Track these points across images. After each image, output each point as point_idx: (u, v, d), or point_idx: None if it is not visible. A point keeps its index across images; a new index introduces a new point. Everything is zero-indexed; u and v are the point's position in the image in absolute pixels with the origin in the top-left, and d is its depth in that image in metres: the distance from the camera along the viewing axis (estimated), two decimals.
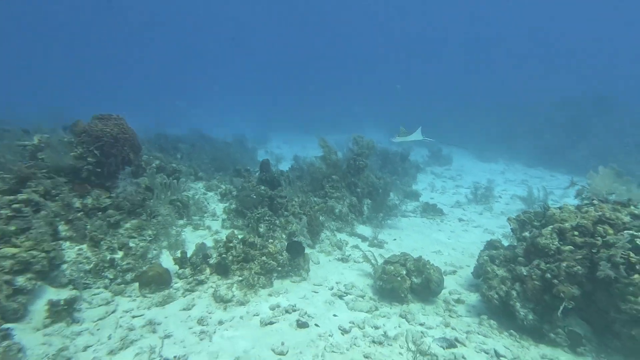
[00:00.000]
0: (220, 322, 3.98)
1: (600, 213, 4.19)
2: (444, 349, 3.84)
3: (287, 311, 4.30)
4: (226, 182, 8.76)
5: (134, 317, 3.96)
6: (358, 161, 8.88)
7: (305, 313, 4.29)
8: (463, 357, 3.68)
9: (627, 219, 4.11)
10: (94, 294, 4.21)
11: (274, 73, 63.04)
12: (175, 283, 4.68)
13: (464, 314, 4.74)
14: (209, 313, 4.14)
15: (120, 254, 4.77)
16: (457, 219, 9.79)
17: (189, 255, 4.97)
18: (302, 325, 4.04)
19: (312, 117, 32.06)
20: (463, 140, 21.43)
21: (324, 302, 4.70)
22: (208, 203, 7.56)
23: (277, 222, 6.50)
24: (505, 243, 6.17)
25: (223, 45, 71.76)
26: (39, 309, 3.75)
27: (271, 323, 4.05)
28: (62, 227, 4.69)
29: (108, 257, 4.59)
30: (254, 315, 4.19)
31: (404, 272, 5.00)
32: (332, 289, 5.11)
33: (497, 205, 11.44)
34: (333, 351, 3.63)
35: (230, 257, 4.97)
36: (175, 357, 3.35)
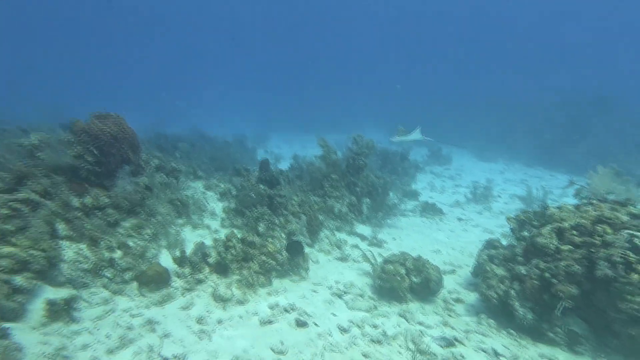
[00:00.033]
0: (220, 322, 3.97)
1: (599, 213, 4.20)
2: (442, 348, 3.84)
3: (286, 310, 4.30)
4: (225, 182, 8.75)
5: (132, 316, 3.95)
6: (357, 160, 8.88)
7: (305, 312, 4.29)
8: (462, 356, 3.69)
9: (625, 218, 4.12)
10: (93, 293, 4.20)
11: (274, 72, 63.02)
12: (174, 282, 4.68)
13: (463, 313, 4.74)
14: (208, 312, 4.14)
15: (119, 253, 4.76)
16: (457, 218, 9.80)
17: (188, 255, 4.96)
18: (301, 324, 4.04)
19: (312, 117, 32.03)
20: (463, 139, 21.44)
21: (323, 301, 4.70)
22: (207, 202, 7.55)
23: (277, 221, 6.50)
24: (505, 242, 6.16)
25: (223, 44, 71.72)
26: (37, 308, 3.74)
27: (270, 322, 4.05)
28: (61, 226, 4.68)
29: (107, 257, 4.58)
30: (253, 314, 4.19)
31: (403, 272, 5.01)
32: (331, 288, 5.11)
33: (496, 204, 11.44)
34: (332, 350, 3.64)
35: (230, 257, 4.97)
36: (174, 356, 3.35)
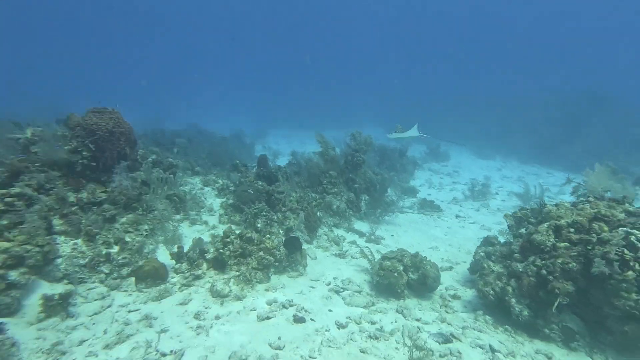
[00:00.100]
0: (217, 317, 3.97)
1: (595, 210, 4.22)
2: (439, 344, 3.86)
3: (284, 306, 4.30)
4: (223, 177, 8.72)
5: (130, 311, 3.94)
6: (356, 157, 8.87)
7: (303, 308, 4.29)
8: (458, 352, 3.71)
9: (622, 216, 4.14)
10: (90, 289, 4.18)
11: (273, 69, 62.71)
12: (172, 278, 4.66)
13: (460, 309, 4.77)
14: (206, 308, 4.13)
15: (116, 248, 4.74)
16: (454, 215, 9.83)
17: (185, 250, 4.95)
18: (299, 320, 4.04)
19: (311, 113, 31.95)
20: (461, 137, 21.49)
21: (321, 297, 4.70)
22: (205, 198, 7.52)
23: (275, 217, 6.49)
24: (502, 239, 6.20)
25: (222, 42, 71.25)
26: (33, 303, 3.72)
27: (268, 318, 4.05)
28: (57, 222, 4.64)
29: (104, 252, 4.56)
30: (251, 310, 4.18)
31: (401, 268, 5.02)
32: (329, 284, 5.12)
33: (493, 201, 11.50)
34: (330, 346, 3.64)
35: (228, 252, 4.96)
36: (171, 351, 3.35)
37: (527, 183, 12.10)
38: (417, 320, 4.36)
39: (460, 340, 3.98)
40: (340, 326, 4.04)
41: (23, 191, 4.38)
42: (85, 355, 3.20)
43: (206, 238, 5.53)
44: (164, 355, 3.30)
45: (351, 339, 3.79)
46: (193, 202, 6.97)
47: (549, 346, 3.96)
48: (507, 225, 5.62)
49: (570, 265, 3.93)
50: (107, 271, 4.42)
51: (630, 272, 3.54)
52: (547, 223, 4.42)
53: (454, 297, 5.08)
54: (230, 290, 4.46)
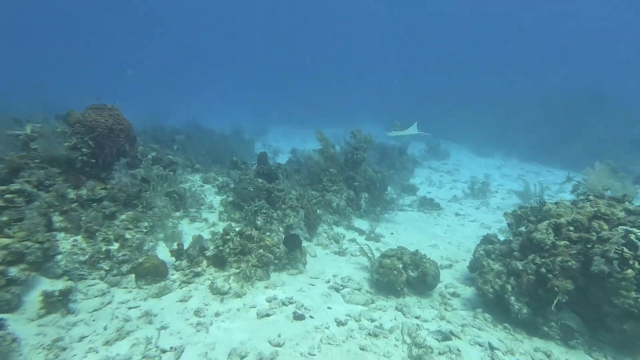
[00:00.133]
0: (217, 314, 3.98)
1: (595, 209, 4.22)
2: (439, 341, 3.87)
3: (283, 303, 4.31)
4: (223, 175, 8.71)
5: (130, 308, 3.95)
6: (356, 155, 8.86)
7: (302, 305, 4.30)
8: (458, 349, 3.72)
9: (621, 214, 4.14)
10: (90, 285, 4.19)
11: (273, 66, 62.58)
12: (172, 275, 4.67)
13: (460, 307, 4.78)
14: (206, 305, 4.14)
15: (116, 245, 4.74)
16: (454, 213, 9.84)
17: (185, 247, 4.95)
18: (298, 317, 4.05)
19: (311, 111, 31.92)
20: (461, 135, 21.48)
21: (321, 294, 4.71)
22: (205, 195, 7.52)
23: (275, 215, 6.49)
24: (501, 238, 6.21)
25: (222, 39, 71.03)
26: (33, 299, 3.72)
27: (268, 315, 4.06)
28: (57, 218, 4.64)
29: (104, 249, 4.56)
30: (251, 307, 4.19)
31: (401, 266, 5.03)
32: (328, 282, 5.12)
33: (493, 200, 11.50)
34: (329, 343, 3.65)
35: (228, 250, 4.96)
36: (171, 348, 3.36)
37: (527, 181, 12.12)
38: (417, 317, 4.37)
39: (459, 338, 3.99)
40: (339, 323, 4.04)
41: (23, 188, 4.37)
42: (85, 352, 3.21)
43: (206, 235, 5.53)
44: (164, 351, 3.31)
45: (350, 336, 3.80)
46: (193, 199, 6.97)
47: (548, 344, 3.97)
48: (507, 223, 5.62)
49: (569, 263, 3.94)
50: (107, 268, 4.43)
51: (629, 271, 3.55)
52: (547, 221, 4.43)
53: (454, 295, 5.09)
54: (230, 288, 4.47)
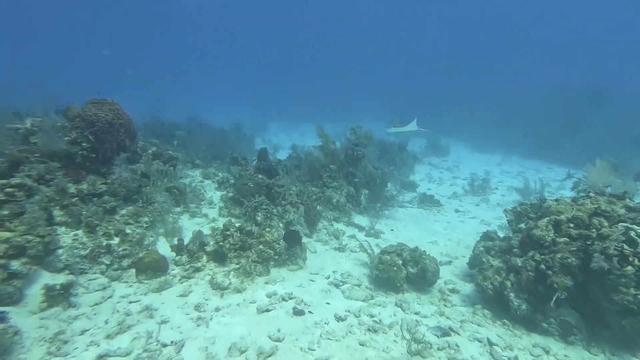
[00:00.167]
0: (217, 309, 4.00)
1: (596, 206, 4.22)
2: (438, 337, 3.89)
3: (283, 299, 4.33)
4: (223, 170, 8.71)
5: (130, 302, 3.96)
6: (356, 151, 8.85)
7: (302, 301, 4.32)
8: (457, 345, 3.74)
9: (622, 211, 4.14)
10: (90, 279, 4.20)
11: (274, 62, 62.31)
12: (172, 270, 4.68)
13: (459, 303, 4.80)
14: (206, 300, 4.16)
15: (116, 240, 4.75)
16: (454, 210, 9.85)
17: (185, 243, 4.96)
18: (298, 312, 4.07)
19: (311, 107, 31.83)
20: (461, 131, 21.44)
21: (321, 290, 4.73)
22: (205, 191, 7.52)
23: (275, 211, 6.49)
24: (501, 234, 6.21)
25: (222, 35, 70.65)
26: (35, 293, 3.74)
27: (268, 310, 4.08)
28: (57, 213, 4.64)
29: (104, 243, 4.57)
30: (251, 302, 4.21)
31: (400, 262, 5.04)
32: (328, 277, 5.14)
33: (493, 196, 11.50)
34: (329, 338, 3.67)
35: (228, 245, 4.97)
36: (172, 342, 3.38)
37: (527, 178, 12.11)
38: (416, 313, 4.39)
39: (458, 334, 4.01)
40: (339, 319, 4.06)
41: (23, 182, 4.37)
42: (87, 345, 3.23)
43: (206, 231, 5.55)
44: (164, 345, 3.33)
45: (350, 332, 3.82)
46: (193, 194, 6.97)
47: (547, 340, 3.99)
48: (507, 220, 5.63)
49: (569, 260, 3.94)
50: (107, 262, 4.44)
51: (629, 267, 3.56)
52: (547, 218, 4.43)
53: (453, 291, 5.11)
54: (230, 283, 4.49)
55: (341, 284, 4.97)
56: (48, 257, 4.12)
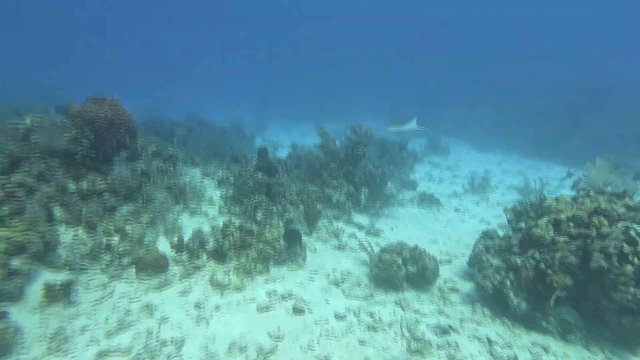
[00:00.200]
0: (217, 307, 4.00)
1: (595, 204, 4.22)
2: (437, 335, 3.90)
3: (283, 297, 4.34)
4: (223, 169, 8.70)
5: (131, 300, 3.97)
6: (356, 150, 8.84)
7: (302, 300, 4.33)
8: (456, 343, 3.75)
9: (622, 210, 4.15)
10: (91, 277, 4.20)
11: (274, 61, 62.20)
12: (172, 268, 4.68)
13: (458, 302, 4.81)
14: (206, 298, 4.17)
15: (116, 238, 4.75)
16: (454, 208, 9.85)
17: (185, 241, 4.96)
18: (298, 311, 4.08)
19: (311, 105, 31.77)
20: (461, 130, 21.42)
21: (321, 289, 4.74)
22: (205, 189, 7.51)
23: (275, 209, 6.49)
24: (501, 233, 6.21)
25: (223, 34, 70.57)
26: (35, 290, 3.75)
27: (267, 309, 4.08)
28: (57, 211, 4.65)
29: (104, 241, 4.57)
30: (251, 301, 4.22)
31: (400, 261, 5.04)
32: (328, 276, 5.15)
33: (493, 195, 11.50)
34: (328, 337, 3.68)
35: (227, 244, 4.98)
36: (172, 340, 3.38)
37: (527, 177, 12.11)
38: (416, 312, 4.40)
39: (458, 332, 4.02)
40: (339, 317, 4.07)
41: (23, 180, 4.37)
42: (87, 343, 3.23)
43: (206, 229, 5.55)
44: (164, 343, 3.34)
45: (350, 330, 3.83)
46: (193, 193, 6.96)
47: (546, 338, 4.00)
48: (507, 219, 5.63)
49: (569, 259, 3.95)
50: (107, 260, 4.45)
51: (628, 267, 3.57)
52: (547, 217, 4.43)
53: (453, 289, 5.11)
54: (230, 281, 4.49)
55: (341, 282, 4.98)
56: (48, 255, 4.13)
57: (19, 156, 4.66)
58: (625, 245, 3.64)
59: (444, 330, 3.98)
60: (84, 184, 5.03)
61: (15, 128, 5.15)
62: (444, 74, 44.49)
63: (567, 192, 5.96)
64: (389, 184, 9.74)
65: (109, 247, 4.52)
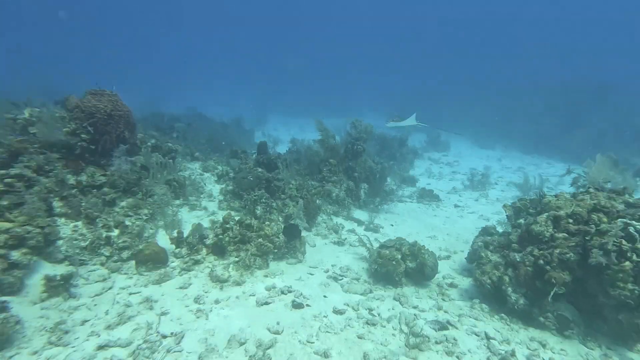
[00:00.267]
0: (217, 301, 4.02)
1: (595, 201, 4.22)
2: (435, 331, 3.93)
3: (282, 292, 4.35)
4: (223, 163, 8.68)
5: (130, 294, 3.98)
6: (356, 145, 8.82)
7: (301, 294, 4.34)
8: (454, 338, 3.77)
9: (621, 207, 4.15)
10: (90, 271, 4.22)
11: (274, 59, 61.77)
12: (172, 262, 4.70)
13: (457, 297, 4.83)
14: (206, 292, 4.18)
15: (116, 232, 4.75)
16: (453, 205, 9.86)
17: (185, 235, 4.97)
18: (297, 306, 4.09)
19: (311, 101, 31.65)
20: (462, 126, 21.37)
21: (320, 284, 4.75)
22: (205, 184, 7.51)
23: (274, 204, 6.49)
24: (500, 230, 6.23)
25: (224, 34, 70.07)
26: (35, 283, 3.76)
27: (267, 303, 4.10)
28: (57, 204, 4.64)
29: (104, 235, 4.57)
30: (250, 295, 4.23)
31: (399, 257, 5.06)
32: (327, 271, 5.16)
33: (493, 191, 11.51)
34: (327, 331, 3.70)
35: (227, 238, 4.98)
36: (172, 333, 3.40)
37: (527, 173, 12.11)
38: (414, 307, 4.42)
39: (456, 328, 4.04)
40: (338, 312, 4.09)
41: (22, 172, 4.36)
42: (87, 335, 3.25)
43: (205, 224, 5.54)
44: (164, 337, 3.35)
45: (349, 325, 3.85)
46: (192, 187, 6.96)
47: (544, 334, 4.03)
48: (506, 215, 5.64)
49: (567, 255, 3.96)
50: (107, 254, 4.45)
51: (627, 263, 3.58)
52: (546, 214, 4.44)
53: (451, 285, 5.13)
54: (230, 276, 4.51)
55: (340, 277, 4.99)
56: (48, 248, 4.13)
57: (18, 149, 4.64)
58: (624, 241, 3.65)
59: (442, 326, 4.00)
60: (83, 178, 5.02)
61: (14, 120, 5.12)
62: (445, 72, 44.30)
63: (567, 189, 5.96)
64: (388, 180, 9.73)
65: (108, 241, 4.52)
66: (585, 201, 4.29)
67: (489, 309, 4.46)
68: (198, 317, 3.71)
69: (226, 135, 13.03)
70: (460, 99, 27.63)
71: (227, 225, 5.09)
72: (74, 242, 4.37)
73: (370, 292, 4.68)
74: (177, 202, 6.38)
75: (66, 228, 4.50)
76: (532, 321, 4.17)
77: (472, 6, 58.24)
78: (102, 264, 4.37)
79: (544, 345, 3.81)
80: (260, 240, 5.03)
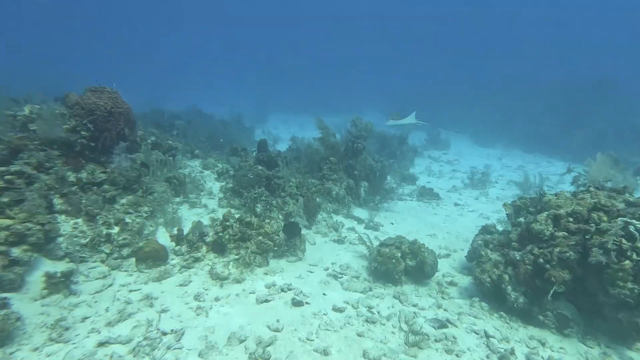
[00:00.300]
0: (217, 299, 4.02)
1: (595, 200, 4.22)
2: (435, 329, 3.93)
3: (282, 290, 4.36)
4: (223, 161, 8.68)
5: (131, 291, 3.99)
6: (356, 144, 8.81)
7: (301, 292, 4.35)
8: (454, 337, 3.78)
9: (621, 206, 4.15)
10: (91, 268, 4.22)
11: (274, 59, 61.63)
12: (172, 259, 4.70)
13: (456, 296, 4.84)
14: (205, 289, 4.19)
15: (116, 229, 4.75)
16: (453, 203, 9.87)
17: (185, 233, 4.97)
18: (297, 303, 4.10)
19: (311, 98, 31.64)
20: (462, 125, 21.37)
21: (319, 282, 4.76)
22: (205, 181, 7.50)
23: (274, 202, 6.49)
24: (500, 228, 6.24)
25: (224, 33, 69.90)
26: (36, 280, 3.76)
27: (267, 301, 4.11)
28: (57, 201, 4.64)
29: (104, 232, 4.58)
30: (250, 292, 4.24)
31: (399, 255, 5.06)
32: (327, 269, 5.17)
33: (493, 190, 11.51)
34: (327, 329, 3.71)
35: (227, 236, 4.98)
36: (172, 330, 3.41)
37: (527, 172, 12.11)
38: (414, 305, 4.42)
39: (455, 326, 4.05)
40: (337, 310, 4.10)
41: (22, 169, 4.35)
42: (88, 332, 3.26)
43: (205, 221, 5.55)
44: (164, 334, 3.36)
45: (348, 323, 3.86)
46: (192, 185, 6.96)
47: (543, 332, 4.03)
48: (506, 214, 5.64)
49: (567, 254, 3.96)
50: (107, 251, 4.46)
51: (627, 262, 3.58)
52: (546, 212, 4.44)
53: (451, 283, 5.14)
54: (230, 273, 4.51)
55: (340, 275, 5.00)
56: (48, 245, 4.13)
57: (19, 145, 4.63)
58: (624, 240, 3.65)
59: (441, 324, 4.01)
60: (84, 175, 5.01)
61: (14, 117, 5.11)
62: (445, 71, 44.20)
63: (567, 188, 5.97)
64: (388, 178, 9.73)
65: (108, 238, 4.53)
66: (585, 200, 4.29)
67: (488, 307, 4.47)
68: (198, 315, 3.71)
69: (226, 132, 13.03)
70: (460, 98, 27.57)
71: (227, 223, 5.09)
72: (75, 239, 4.37)
73: (370, 290, 4.69)
74: (177, 199, 6.38)
75: (66, 225, 4.50)
76: (531, 319, 4.18)
77: (472, 6, 58.06)
78: (102, 261, 4.38)
79: (543, 344, 3.82)
80: (260, 238, 5.03)
